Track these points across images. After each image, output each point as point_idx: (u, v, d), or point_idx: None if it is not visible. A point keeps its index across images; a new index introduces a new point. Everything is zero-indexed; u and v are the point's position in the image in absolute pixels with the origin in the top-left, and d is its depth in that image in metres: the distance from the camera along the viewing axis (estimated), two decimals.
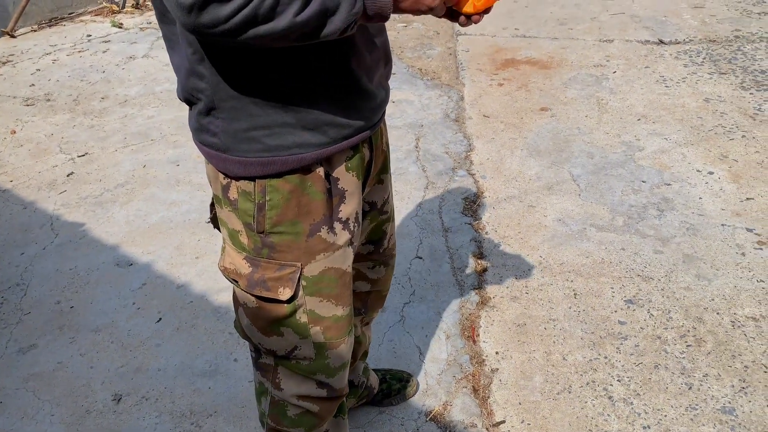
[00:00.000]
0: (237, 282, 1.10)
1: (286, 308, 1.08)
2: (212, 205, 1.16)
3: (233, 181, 1.02)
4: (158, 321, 2.12)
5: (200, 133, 1.03)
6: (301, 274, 1.06)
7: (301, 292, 1.07)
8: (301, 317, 1.09)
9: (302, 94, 0.96)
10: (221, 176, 1.04)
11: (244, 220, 1.04)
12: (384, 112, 1.15)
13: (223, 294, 2.21)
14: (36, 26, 5.19)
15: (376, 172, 1.22)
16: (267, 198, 1.01)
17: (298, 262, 1.05)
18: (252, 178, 1.00)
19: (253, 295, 1.08)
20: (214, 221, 1.18)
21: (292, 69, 0.94)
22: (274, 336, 1.11)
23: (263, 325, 1.11)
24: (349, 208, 1.09)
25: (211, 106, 0.98)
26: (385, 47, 1.09)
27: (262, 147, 0.97)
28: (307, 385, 1.17)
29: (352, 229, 1.11)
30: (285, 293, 1.06)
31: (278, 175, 0.99)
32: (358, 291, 1.43)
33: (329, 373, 1.16)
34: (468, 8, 0.95)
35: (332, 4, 0.82)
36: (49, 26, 5.23)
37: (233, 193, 1.03)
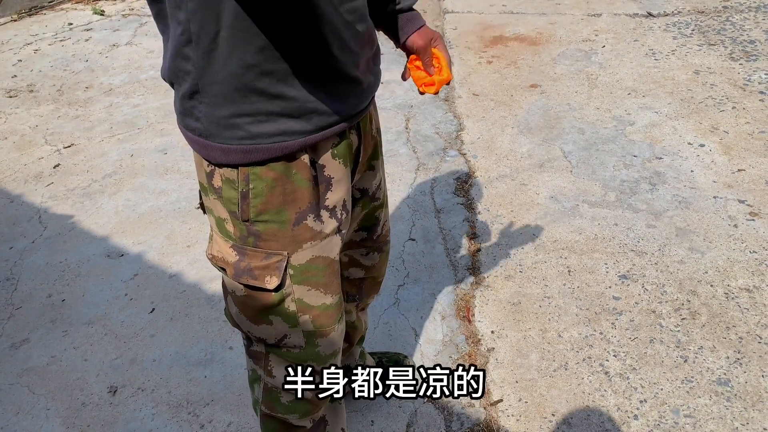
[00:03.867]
0: (224, 270, 1.08)
1: (274, 297, 1.06)
2: (201, 192, 1.14)
3: (217, 168, 1.00)
4: (151, 311, 2.11)
5: (184, 117, 1.01)
6: (288, 262, 1.04)
7: (288, 281, 1.06)
8: (290, 306, 1.08)
9: (286, 81, 0.93)
10: (205, 163, 1.02)
11: (228, 208, 1.02)
12: (372, 98, 1.12)
13: (216, 282, 2.19)
14: (16, 16, 5.10)
15: (366, 159, 1.20)
16: (250, 186, 0.98)
17: (285, 250, 1.04)
18: (235, 166, 0.98)
19: (240, 283, 1.07)
20: (203, 207, 1.16)
21: (276, 56, 0.91)
22: (264, 324, 1.10)
23: (252, 314, 1.10)
24: (336, 195, 1.07)
25: (194, 90, 0.95)
26: (369, 32, 1.06)
27: (244, 134, 0.95)
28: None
29: (339, 216, 1.09)
30: (272, 282, 1.04)
31: (262, 162, 0.97)
32: (352, 278, 1.41)
33: (320, 361, 1.15)
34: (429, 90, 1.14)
35: None
36: (29, 15, 5.14)
37: (217, 181, 1.01)
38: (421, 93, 1.20)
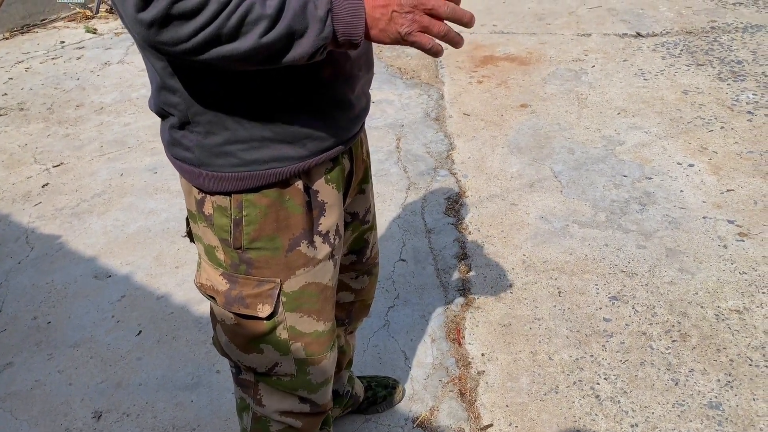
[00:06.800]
0: (214, 299, 1.07)
1: (265, 325, 1.05)
2: (188, 220, 1.12)
3: (208, 195, 0.99)
4: (138, 334, 2.08)
5: (173, 146, 0.99)
6: (280, 290, 1.03)
7: (280, 309, 1.04)
8: (282, 334, 1.06)
9: (280, 107, 0.92)
10: (195, 191, 1.01)
11: (220, 235, 1.01)
12: (364, 122, 1.12)
13: (204, 304, 2.17)
14: (8, 33, 5.09)
15: (357, 182, 1.19)
16: (244, 213, 0.97)
17: (278, 277, 1.02)
18: (228, 193, 0.97)
19: (231, 312, 1.05)
20: (191, 235, 1.14)
21: (269, 81, 0.90)
22: (254, 353, 1.08)
23: (242, 343, 1.08)
24: (330, 220, 1.06)
25: (184, 121, 0.94)
26: (367, 54, 1.06)
27: (237, 161, 0.94)
28: (290, 401, 1.14)
29: (333, 242, 1.07)
30: (264, 310, 1.03)
31: (255, 189, 0.96)
32: (342, 302, 1.40)
33: (311, 389, 1.14)
34: None
35: (300, 26, 0.78)
36: (21, 33, 5.14)
37: (208, 209, 1.00)
38: None
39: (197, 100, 0.91)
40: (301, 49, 0.80)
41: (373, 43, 1.04)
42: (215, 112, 0.91)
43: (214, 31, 0.75)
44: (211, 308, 1.12)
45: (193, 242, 1.13)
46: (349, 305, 1.43)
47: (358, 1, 0.81)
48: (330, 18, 0.79)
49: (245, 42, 0.77)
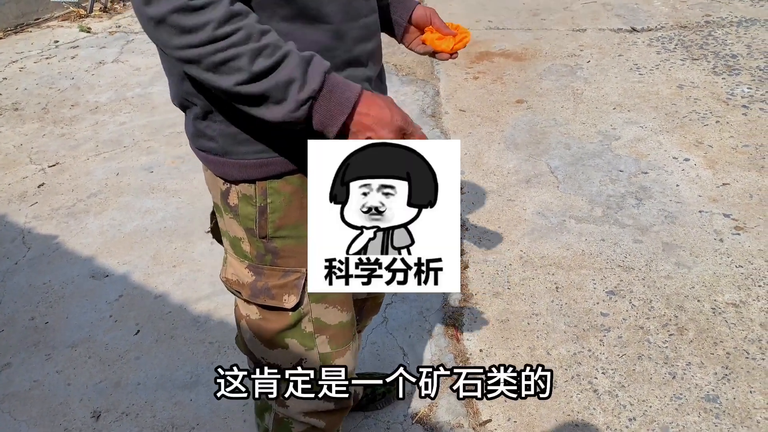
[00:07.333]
0: (239, 293, 1.08)
1: (290, 317, 1.05)
2: (213, 214, 1.13)
3: (233, 185, 1.00)
4: (136, 333, 2.08)
5: (197, 138, 1.01)
6: (306, 280, 1.04)
7: (306, 299, 1.05)
8: (307, 326, 1.07)
9: None
10: (220, 182, 1.02)
11: (245, 225, 1.02)
12: None
13: (202, 303, 2.17)
14: (1, 33, 5.07)
15: None
16: (268, 201, 0.99)
17: (303, 267, 1.03)
18: (252, 181, 0.98)
19: (256, 304, 1.06)
20: (215, 231, 1.15)
21: None
22: (279, 348, 1.09)
23: (267, 338, 1.09)
24: None
25: (207, 110, 0.96)
26: (378, 49, 1.08)
27: (261, 148, 0.96)
28: (314, 400, 1.15)
29: None
30: (290, 300, 1.04)
31: (279, 176, 0.98)
32: (355, 298, 1.41)
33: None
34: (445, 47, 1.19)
35: (276, 96, 0.81)
36: (15, 33, 5.12)
37: (233, 199, 1.01)
38: (450, 56, 1.25)
39: None
40: (271, 114, 0.83)
41: (380, 42, 1.07)
42: None
43: (196, 56, 0.79)
44: (236, 305, 1.13)
45: (216, 239, 1.15)
46: (361, 302, 1.44)
47: (345, 107, 0.84)
48: (308, 105, 0.82)
49: (222, 80, 0.80)
